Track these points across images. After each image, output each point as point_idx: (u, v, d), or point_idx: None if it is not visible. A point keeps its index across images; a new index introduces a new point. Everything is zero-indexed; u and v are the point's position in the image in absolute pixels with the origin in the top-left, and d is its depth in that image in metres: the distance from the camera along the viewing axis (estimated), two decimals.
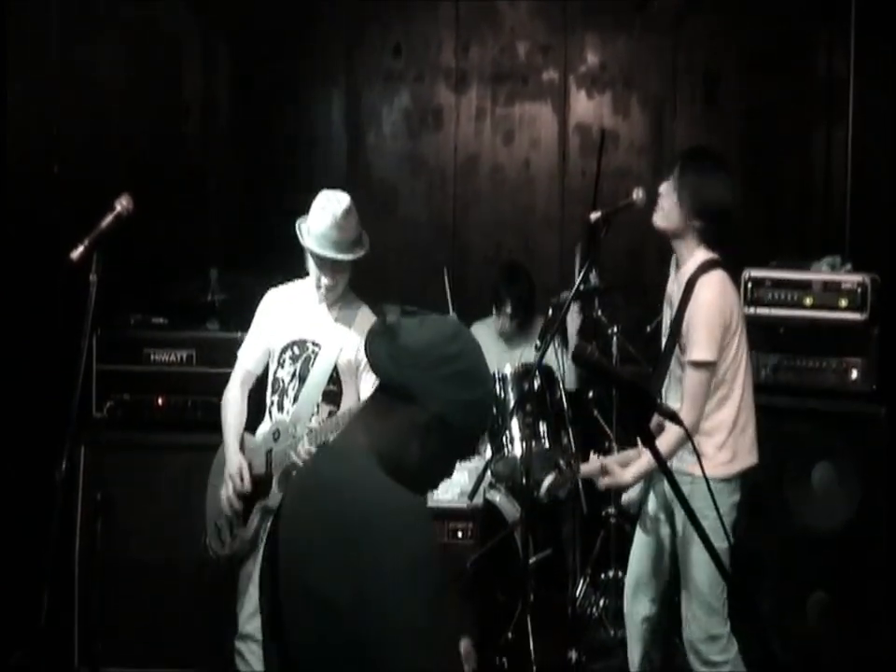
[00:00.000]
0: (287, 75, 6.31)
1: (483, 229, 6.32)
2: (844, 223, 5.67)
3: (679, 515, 3.78)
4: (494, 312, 5.56)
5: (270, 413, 4.15)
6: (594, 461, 3.79)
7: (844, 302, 4.55)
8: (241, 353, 4.23)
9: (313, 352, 4.08)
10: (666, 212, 3.77)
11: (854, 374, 4.53)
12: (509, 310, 5.46)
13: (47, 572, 3.54)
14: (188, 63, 6.21)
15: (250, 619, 3.97)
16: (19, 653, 4.36)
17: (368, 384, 4.04)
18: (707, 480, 2.96)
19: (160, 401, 4.72)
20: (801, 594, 4.55)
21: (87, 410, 4.64)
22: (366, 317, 4.10)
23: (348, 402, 4.08)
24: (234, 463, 4.04)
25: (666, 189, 3.78)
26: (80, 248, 3.40)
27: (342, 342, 4.06)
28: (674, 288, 3.85)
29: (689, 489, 3.49)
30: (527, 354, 5.27)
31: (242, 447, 4.10)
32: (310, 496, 2.20)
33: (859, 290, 4.53)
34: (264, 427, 4.14)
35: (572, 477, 3.85)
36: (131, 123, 5.39)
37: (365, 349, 2.27)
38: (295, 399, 4.07)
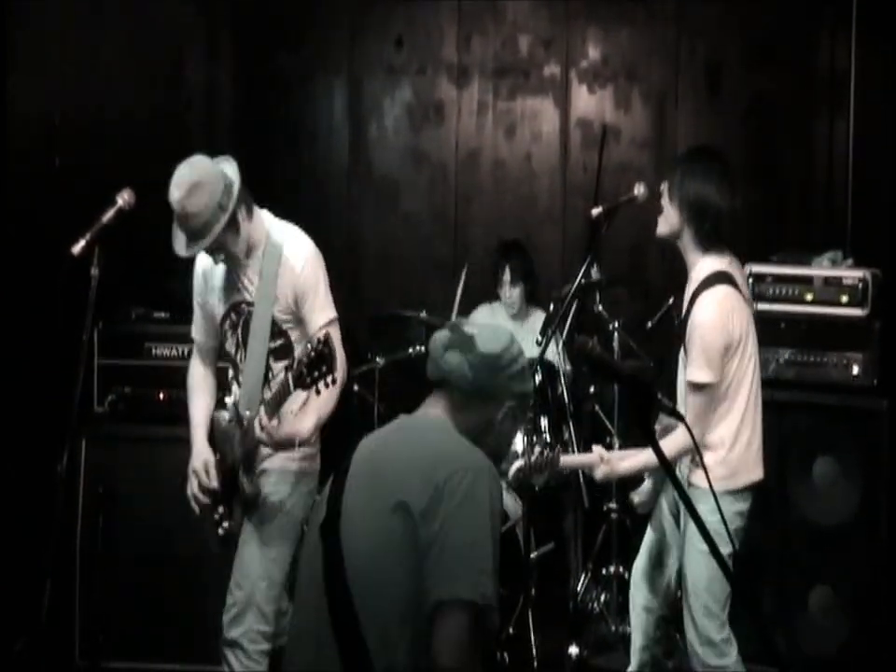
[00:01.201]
0: (289, 68, 6.32)
1: (484, 223, 6.32)
2: (846, 217, 5.67)
3: (681, 518, 3.78)
4: (498, 289, 5.62)
5: (230, 387, 3.92)
6: (595, 450, 3.77)
7: (845, 298, 4.55)
8: (192, 331, 4.03)
9: (248, 313, 3.75)
10: (664, 217, 3.74)
11: (855, 369, 4.53)
12: (508, 276, 5.54)
13: (48, 566, 3.54)
14: (189, 56, 6.21)
15: (235, 624, 3.74)
16: (23, 639, 4.36)
17: (315, 313, 3.70)
18: (713, 491, 2.94)
19: (161, 395, 4.72)
20: (802, 588, 4.55)
21: (88, 404, 4.65)
22: (292, 254, 3.71)
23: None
24: (199, 458, 3.85)
25: (663, 194, 3.75)
26: (81, 242, 3.40)
27: (271, 292, 3.69)
28: (688, 292, 3.84)
29: (692, 496, 3.49)
30: (538, 324, 5.27)
31: (213, 431, 3.91)
32: (399, 437, 2.64)
33: (860, 286, 4.54)
34: (230, 400, 3.91)
35: (548, 466, 3.73)
36: (133, 115, 5.38)
37: (438, 362, 2.62)
38: (237, 371, 3.83)
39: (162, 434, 4.66)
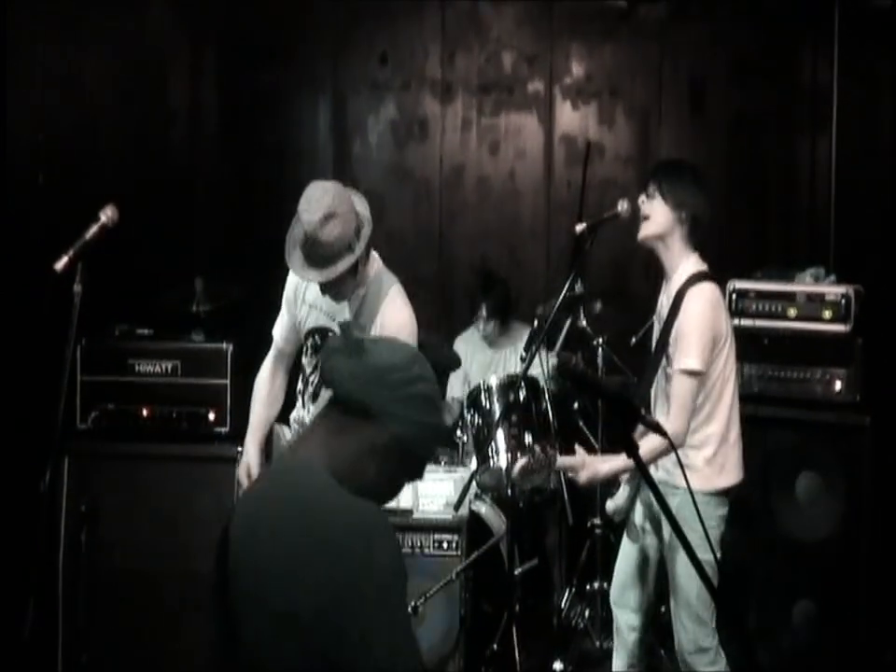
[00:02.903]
0: (274, 84, 6.32)
1: (468, 239, 6.33)
2: (829, 234, 5.70)
3: (666, 526, 3.78)
4: (475, 318, 5.68)
5: (298, 400, 4.01)
6: (579, 454, 3.79)
7: (827, 314, 4.58)
8: (274, 329, 4.03)
9: None
10: (652, 218, 3.78)
11: (838, 385, 4.54)
12: (484, 313, 5.59)
13: (31, 584, 3.52)
14: (174, 73, 6.21)
15: None
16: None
17: None
18: (691, 493, 2.96)
19: (144, 412, 4.70)
20: (785, 603, 4.56)
21: (71, 420, 4.63)
22: (392, 304, 3.71)
23: None
24: (243, 465, 3.94)
25: (649, 198, 3.80)
26: (64, 259, 3.38)
27: None
28: (663, 301, 3.86)
29: (677, 501, 3.48)
30: (513, 356, 5.52)
31: (270, 440, 3.99)
32: (268, 514, 2.14)
33: (842, 301, 4.56)
34: (294, 416, 4.03)
35: (548, 464, 3.74)
36: (117, 133, 5.38)
37: (323, 365, 2.22)
38: (315, 396, 3.91)
39: (146, 451, 4.65)
